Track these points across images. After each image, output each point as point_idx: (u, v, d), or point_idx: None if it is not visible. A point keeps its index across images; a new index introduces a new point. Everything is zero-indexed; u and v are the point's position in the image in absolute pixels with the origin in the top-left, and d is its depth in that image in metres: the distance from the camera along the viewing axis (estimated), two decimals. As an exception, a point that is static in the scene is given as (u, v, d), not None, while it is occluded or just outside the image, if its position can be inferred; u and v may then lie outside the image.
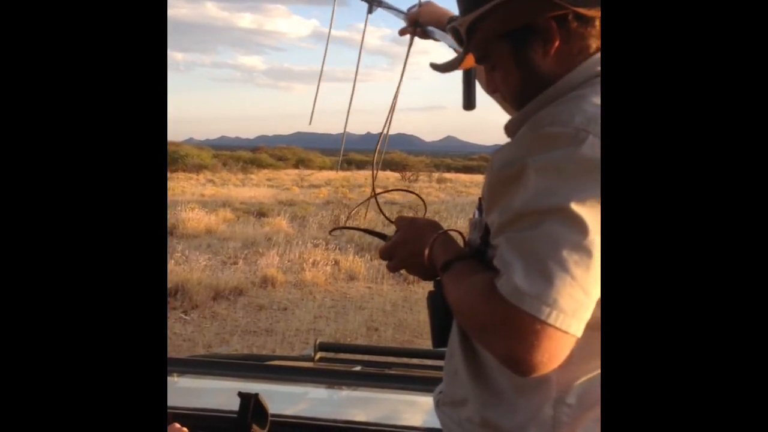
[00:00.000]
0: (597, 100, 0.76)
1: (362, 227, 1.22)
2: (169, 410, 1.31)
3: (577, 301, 0.70)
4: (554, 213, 0.71)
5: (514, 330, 0.72)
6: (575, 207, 0.70)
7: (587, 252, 0.70)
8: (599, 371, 0.79)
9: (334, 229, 1.24)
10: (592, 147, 0.72)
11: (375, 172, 1.12)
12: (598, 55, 0.82)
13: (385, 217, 1.06)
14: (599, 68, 0.81)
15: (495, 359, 0.77)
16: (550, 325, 0.70)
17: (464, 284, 0.83)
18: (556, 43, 0.82)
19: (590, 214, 0.70)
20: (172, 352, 4.76)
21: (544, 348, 0.71)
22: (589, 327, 0.73)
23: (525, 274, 0.71)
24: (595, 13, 0.81)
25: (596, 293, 0.71)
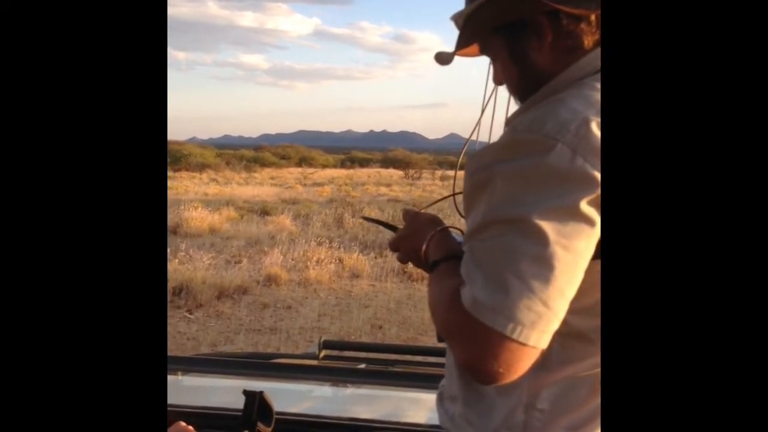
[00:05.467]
0: (577, 104, 0.74)
1: (379, 219, 1.23)
2: (174, 409, 1.32)
3: (536, 314, 0.69)
4: (515, 224, 0.70)
5: (473, 340, 0.72)
6: (537, 218, 0.69)
7: (547, 264, 0.69)
8: (576, 378, 0.79)
9: (363, 217, 1.33)
10: (560, 156, 0.70)
11: (456, 173, 1.16)
12: (588, 57, 0.81)
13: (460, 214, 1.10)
14: (589, 69, 0.81)
15: None
16: (507, 337, 0.70)
17: (439, 287, 0.83)
18: (549, 39, 0.82)
19: (552, 225, 0.69)
20: (176, 351, 4.77)
21: (502, 359, 0.71)
22: (563, 335, 0.74)
23: (484, 285, 0.71)
24: (583, 12, 0.80)
25: (560, 305, 0.71)
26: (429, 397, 1.48)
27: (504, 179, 0.73)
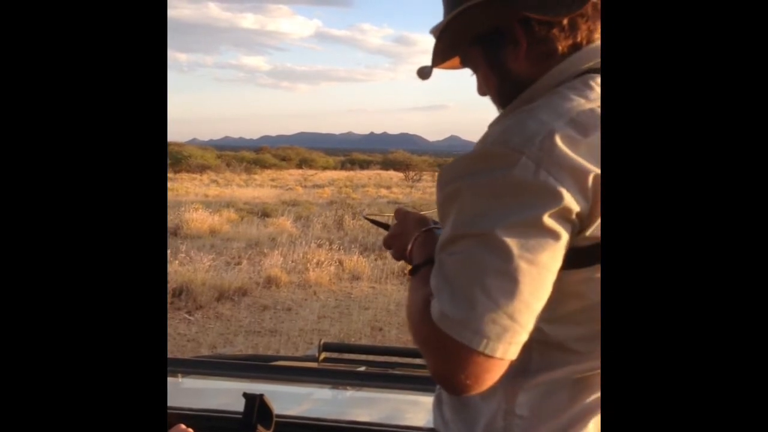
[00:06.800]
0: (545, 115, 0.75)
1: (380, 219, 1.24)
2: (174, 411, 1.32)
3: (501, 327, 0.70)
4: (481, 238, 0.71)
5: (441, 352, 0.73)
6: (501, 233, 0.70)
7: (511, 278, 0.70)
8: (555, 384, 0.79)
9: (365, 216, 1.31)
10: (524, 169, 0.71)
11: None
12: (562, 65, 0.82)
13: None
14: (563, 77, 0.81)
15: None
16: (474, 351, 0.71)
17: (414, 296, 0.84)
18: (524, 46, 0.82)
19: (516, 240, 0.70)
20: (176, 353, 4.77)
21: (470, 372, 0.72)
22: (540, 343, 0.76)
23: (450, 300, 0.72)
24: (551, 18, 0.80)
25: (527, 317, 0.71)
26: (428, 400, 1.48)
27: (471, 192, 0.74)
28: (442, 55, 0.89)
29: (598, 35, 0.83)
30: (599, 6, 0.81)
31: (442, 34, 0.86)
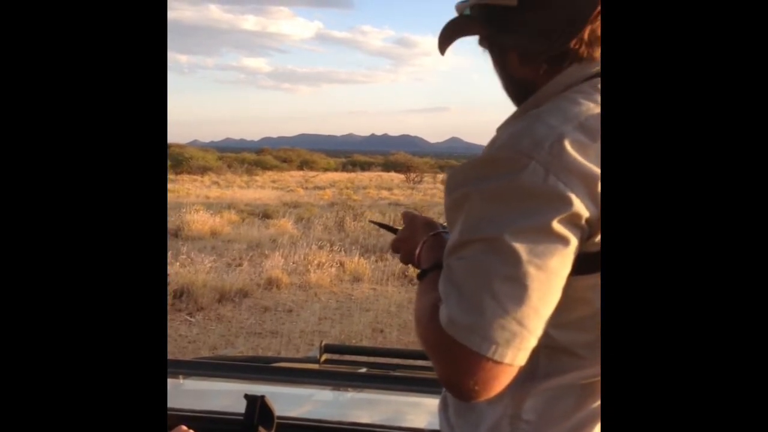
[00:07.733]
0: (554, 120, 0.74)
1: (385, 223, 1.24)
2: (175, 412, 1.32)
3: (510, 332, 0.70)
4: (489, 243, 0.71)
5: (450, 358, 0.73)
6: (509, 238, 0.70)
7: (520, 284, 0.70)
8: (562, 389, 0.79)
9: (372, 221, 1.37)
10: (533, 174, 0.70)
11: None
12: (569, 69, 0.81)
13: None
14: (570, 81, 0.81)
15: None
16: (483, 356, 0.70)
17: (422, 300, 0.83)
18: (525, 56, 0.83)
19: (525, 245, 0.70)
20: (177, 354, 4.76)
21: (479, 377, 0.71)
22: (548, 348, 0.75)
23: (459, 305, 0.72)
24: (545, 49, 0.80)
25: (536, 323, 0.71)
26: (429, 402, 1.48)
27: (479, 197, 0.74)
28: (454, 38, 0.89)
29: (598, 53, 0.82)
30: (599, 32, 0.80)
31: (446, 29, 0.86)
